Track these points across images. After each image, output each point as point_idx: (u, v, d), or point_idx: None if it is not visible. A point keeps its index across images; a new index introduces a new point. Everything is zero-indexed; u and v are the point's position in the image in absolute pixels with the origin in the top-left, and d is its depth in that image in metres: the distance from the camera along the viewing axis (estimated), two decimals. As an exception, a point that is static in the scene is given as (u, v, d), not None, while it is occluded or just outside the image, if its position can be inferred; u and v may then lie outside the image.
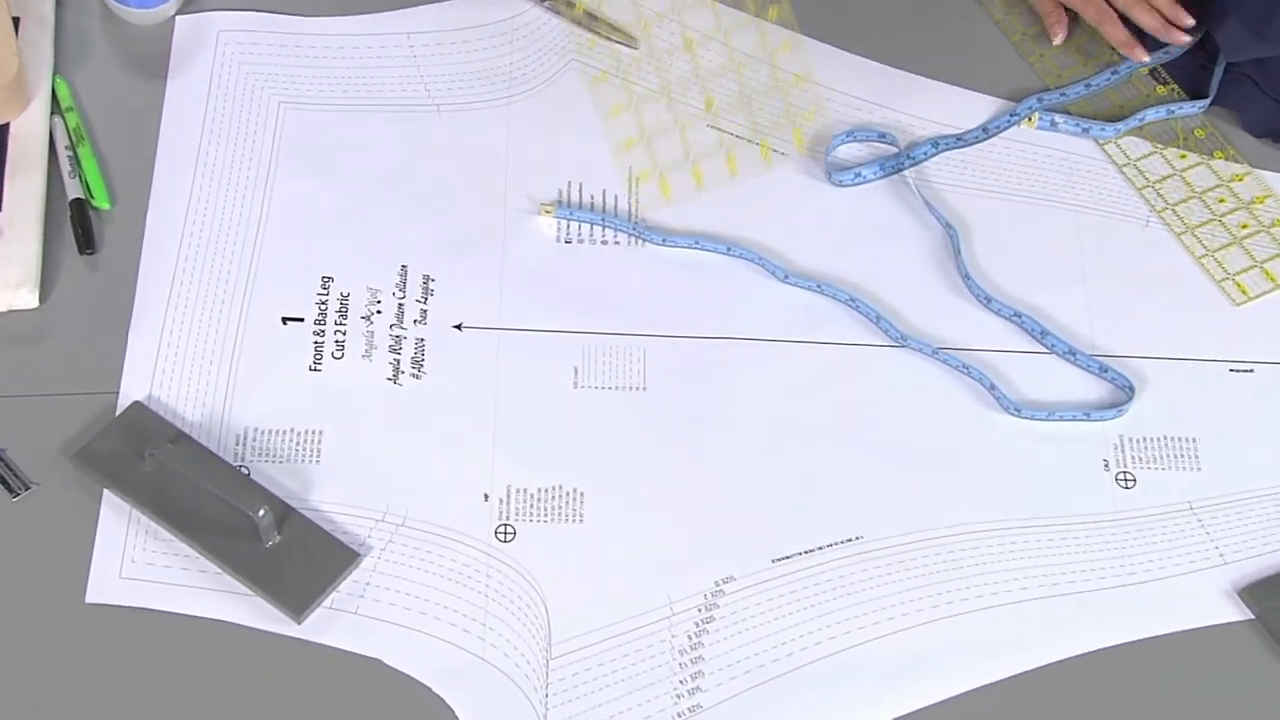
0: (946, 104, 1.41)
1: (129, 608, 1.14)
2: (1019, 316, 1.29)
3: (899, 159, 1.36)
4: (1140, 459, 1.24)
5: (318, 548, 1.16)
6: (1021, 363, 1.28)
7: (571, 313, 1.29)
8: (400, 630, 1.14)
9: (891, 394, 1.26)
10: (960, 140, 1.37)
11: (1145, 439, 1.25)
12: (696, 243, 1.31)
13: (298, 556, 1.15)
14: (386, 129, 1.37)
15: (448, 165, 1.35)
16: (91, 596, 1.14)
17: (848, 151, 1.38)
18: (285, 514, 1.17)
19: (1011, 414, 1.25)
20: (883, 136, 1.37)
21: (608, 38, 1.42)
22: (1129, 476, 1.24)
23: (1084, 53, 1.45)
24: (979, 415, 1.25)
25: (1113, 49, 1.44)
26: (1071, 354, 1.28)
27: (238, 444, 1.20)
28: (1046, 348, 1.28)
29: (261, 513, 1.13)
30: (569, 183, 1.35)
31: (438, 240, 1.32)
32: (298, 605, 1.13)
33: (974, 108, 1.41)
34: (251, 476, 1.19)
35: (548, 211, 1.33)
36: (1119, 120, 1.40)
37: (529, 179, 1.35)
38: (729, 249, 1.31)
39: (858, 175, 1.35)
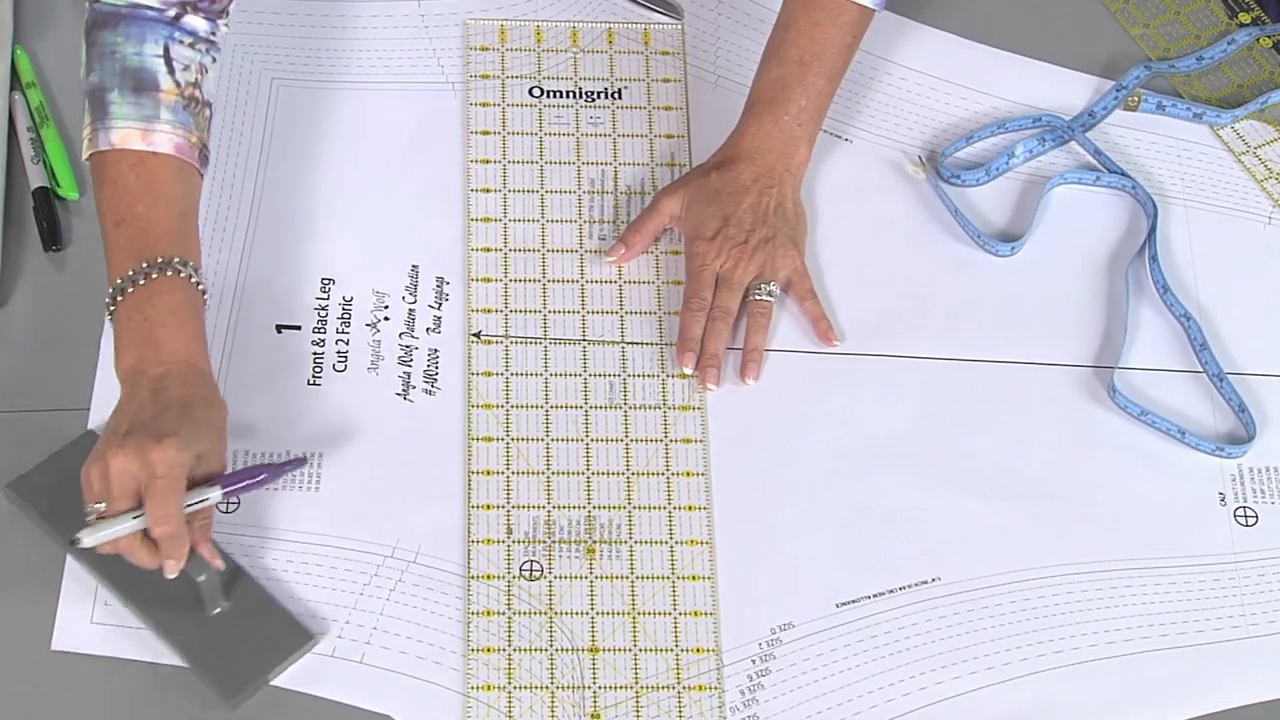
0: (1042, 84, 1.42)
1: (102, 657, 1.13)
2: (1188, 319, 1.29)
3: (1007, 157, 1.37)
4: (1263, 492, 1.24)
5: (267, 621, 1.13)
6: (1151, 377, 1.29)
7: (610, 320, 1.29)
8: (413, 683, 1.13)
9: (976, 415, 1.26)
10: (1071, 131, 1.38)
11: (1268, 469, 1.25)
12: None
13: (243, 629, 1.13)
14: (395, 110, 1.37)
15: (465, 151, 1.36)
16: (59, 643, 1.13)
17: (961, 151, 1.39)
18: (235, 577, 1.15)
19: (1108, 393, 1.26)
20: (1002, 126, 1.39)
21: (648, 6, 1.43)
22: (1250, 512, 1.23)
23: (1195, 22, 1.45)
24: (1077, 440, 1.25)
25: (1230, 18, 1.44)
26: (1219, 378, 1.27)
27: (226, 469, 1.20)
28: (1200, 363, 1.28)
29: (202, 577, 1.11)
30: (602, 171, 1.35)
31: (453, 236, 1.32)
32: (232, 686, 1.11)
33: (1072, 87, 1.42)
34: (240, 509, 1.18)
35: (919, 171, 1.35)
36: (1238, 104, 1.40)
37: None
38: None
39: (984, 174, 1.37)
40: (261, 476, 1.15)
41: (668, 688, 1.14)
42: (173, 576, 1.09)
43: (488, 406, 1.24)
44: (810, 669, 1.16)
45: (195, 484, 1.11)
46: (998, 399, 1.27)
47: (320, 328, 1.26)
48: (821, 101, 1.32)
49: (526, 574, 1.18)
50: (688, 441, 1.24)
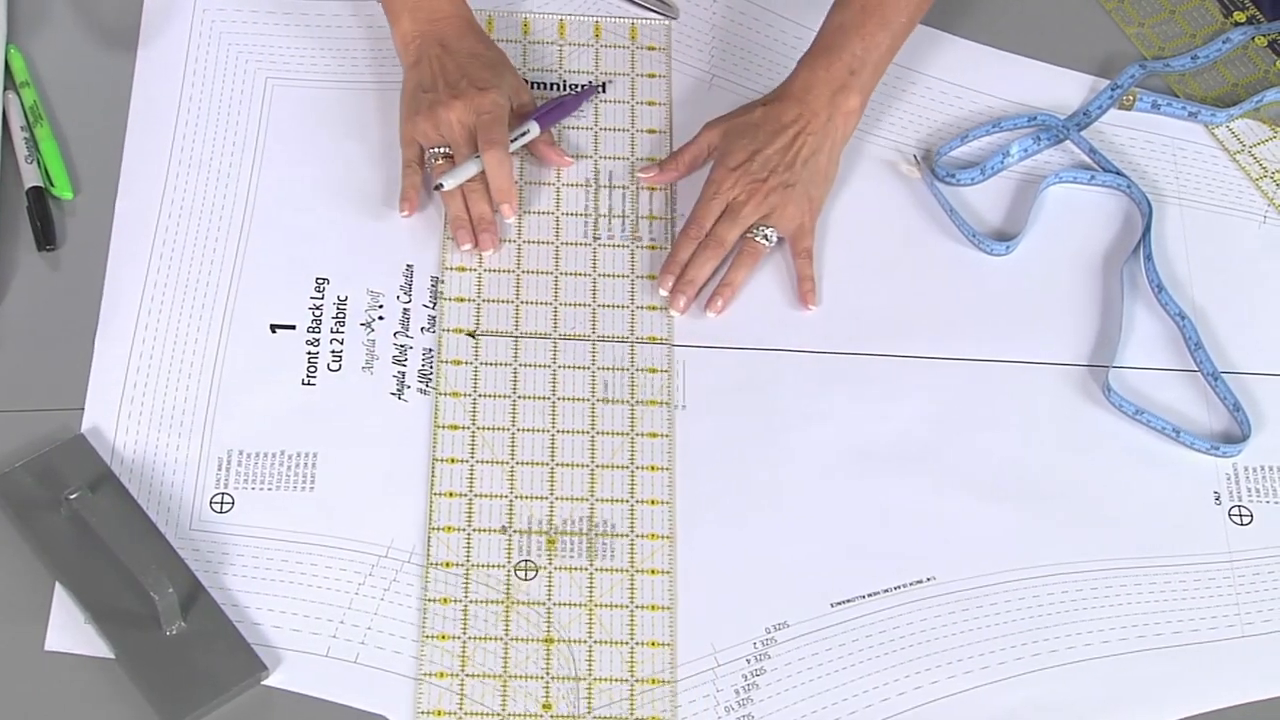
0: (1037, 83, 1.42)
1: (94, 658, 1.13)
2: (1183, 319, 1.29)
3: (1002, 156, 1.37)
4: (1258, 491, 1.24)
5: (221, 647, 1.12)
6: (1146, 375, 1.29)
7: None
8: (407, 682, 1.14)
9: (970, 414, 1.26)
10: (1066, 130, 1.38)
11: (1263, 469, 1.25)
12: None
13: (195, 652, 1.12)
14: (390, 109, 1.36)
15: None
16: (52, 644, 1.13)
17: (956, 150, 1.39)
18: (194, 596, 1.14)
19: (1103, 392, 1.26)
20: (997, 125, 1.39)
21: (645, 6, 1.43)
22: (1244, 511, 1.23)
23: (1190, 21, 1.45)
24: (1072, 439, 1.25)
25: (1225, 16, 1.45)
26: (1214, 377, 1.27)
27: (220, 469, 1.20)
28: (1195, 362, 1.29)
29: (157, 596, 1.11)
30: (598, 170, 1.36)
31: (447, 236, 1.32)
32: (173, 712, 1.10)
33: (1067, 86, 1.42)
34: (235, 509, 1.18)
35: (913, 170, 1.35)
36: (1233, 103, 1.40)
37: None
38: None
39: (980, 172, 1.37)
40: (566, 103, 1.35)
41: (620, 680, 1.14)
42: (510, 219, 1.30)
43: (455, 395, 1.24)
44: (805, 668, 1.16)
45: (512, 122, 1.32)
46: (992, 398, 1.27)
47: (315, 327, 1.26)
48: (879, 55, 1.32)
49: (521, 574, 1.18)
50: (654, 436, 1.24)
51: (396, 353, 1.26)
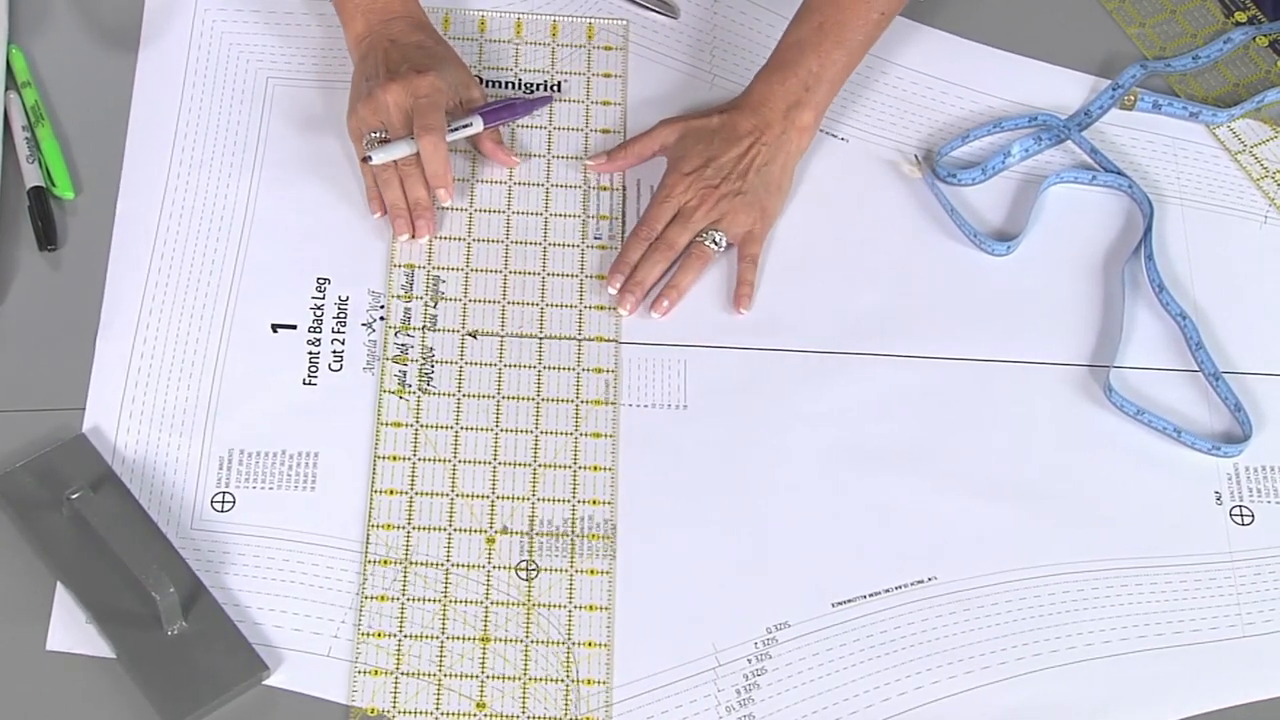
0: (1038, 83, 1.42)
1: (95, 658, 1.13)
2: (1184, 319, 1.29)
3: (1003, 156, 1.37)
4: (1259, 491, 1.24)
5: (222, 647, 1.12)
6: (1147, 375, 1.29)
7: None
8: (406, 681, 1.14)
9: (972, 414, 1.26)
10: (1067, 129, 1.37)
11: (1264, 469, 1.25)
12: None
13: (196, 652, 1.12)
14: (390, 108, 1.37)
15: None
16: (53, 643, 1.13)
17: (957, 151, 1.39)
18: (195, 596, 1.14)
19: (1104, 392, 1.26)
20: (998, 125, 1.39)
21: (646, 5, 1.43)
22: (1246, 511, 1.23)
23: (1191, 21, 1.45)
24: (1073, 439, 1.25)
25: (1226, 16, 1.44)
26: (1215, 377, 1.27)
27: (221, 469, 1.20)
28: (1196, 362, 1.28)
29: (158, 596, 1.10)
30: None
31: (448, 234, 1.31)
32: (174, 712, 1.10)
33: (1068, 86, 1.41)
34: (236, 509, 1.18)
35: (915, 170, 1.35)
36: (1234, 103, 1.40)
37: (553, 165, 1.36)
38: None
39: (982, 172, 1.36)
40: (515, 105, 1.35)
41: (556, 680, 1.14)
42: (447, 203, 1.30)
43: (399, 392, 1.24)
44: (806, 668, 1.16)
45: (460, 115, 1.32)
46: (994, 398, 1.27)
47: (316, 327, 1.26)
48: (835, 72, 1.32)
49: (522, 573, 1.18)
50: (598, 436, 1.24)
51: (397, 352, 1.26)
